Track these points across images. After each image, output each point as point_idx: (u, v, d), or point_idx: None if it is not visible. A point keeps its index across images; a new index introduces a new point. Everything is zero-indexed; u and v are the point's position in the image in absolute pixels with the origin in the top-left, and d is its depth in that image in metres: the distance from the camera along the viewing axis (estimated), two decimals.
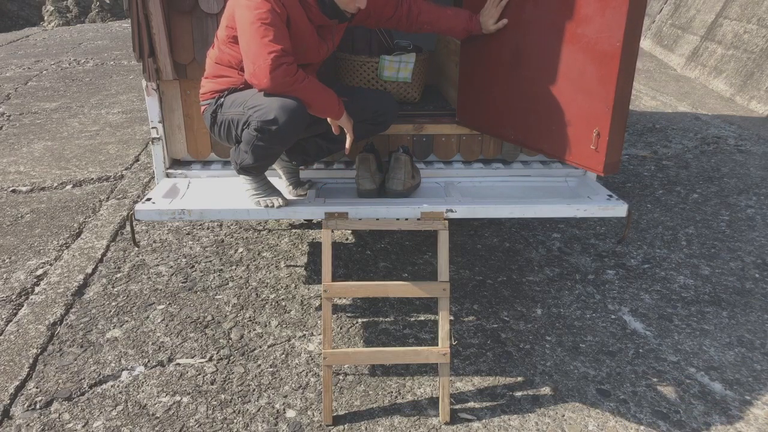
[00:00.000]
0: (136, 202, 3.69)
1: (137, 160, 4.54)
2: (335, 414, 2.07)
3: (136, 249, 3.18)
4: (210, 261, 3.07)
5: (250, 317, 2.61)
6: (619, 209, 2.34)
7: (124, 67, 8.20)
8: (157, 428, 2.01)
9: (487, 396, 2.17)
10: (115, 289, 2.82)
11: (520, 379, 2.26)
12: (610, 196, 2.42)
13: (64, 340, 2.45)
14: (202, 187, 2.55)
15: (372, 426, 2.03)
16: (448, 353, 2.06)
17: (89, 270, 2.96)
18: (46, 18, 14.90)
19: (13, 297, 2.75)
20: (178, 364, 2.32)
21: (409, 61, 2.77)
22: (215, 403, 2.13)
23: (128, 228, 3.41)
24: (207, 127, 2.30)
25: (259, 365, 2.32)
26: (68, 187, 4.06)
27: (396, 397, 2.16)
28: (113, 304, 2.71)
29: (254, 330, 2.53)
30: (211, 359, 2.35)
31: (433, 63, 3.28)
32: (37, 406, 2.10)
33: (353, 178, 2.54)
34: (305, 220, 3.47)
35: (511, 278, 2.93)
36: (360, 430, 2.02)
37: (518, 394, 2.18)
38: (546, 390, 2.20)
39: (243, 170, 2.20)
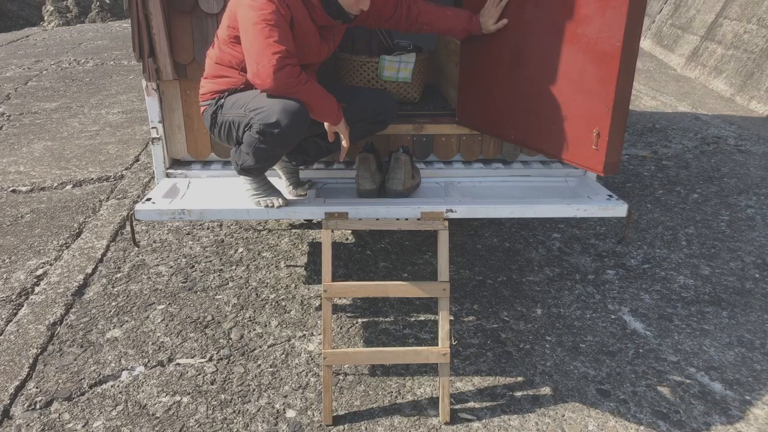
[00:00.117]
0: (136, 202, 3.69)
1: (137, 160, 4.54)
2: (335, 414, 2.08)
3: (136, 249, 3.18)
4: (210, 261, 3.07)
5: (250, 317, 2.61)
6: (619, 209, 2.34)
7: (124, 67, 8.20)
8: (157, 428, 2.01)
9: (487, 396, 2.17)
10: (115, 289, 2.82)
11: (520, 379, 2.26)
12: (610, 196, 2.42)
13: (64, 340, 2.45)
14: (202, 187, 2.55)
15: (372, 426, 2.03)
16: (448, 353, 2.06)
17: (89, 270, 2.96)
18: (46, 18, 14.90)
19: (13, 297, 2.75)
20: (178, 364, 2.32)
21: (409, 61, 2.77)
22: (215, 403, 2.13)
23: (128, 228, 3.41)
24: (207, 128, 2.30)
25: (259, 365, 2.32)
26: (68, 187, 4.06)
27: (396, 397, 2.16)
28: (113, 304, 2.71)
29: (254, 330, 2.53)
30: (211, 359, 2.35)
31: (433, 63, 3.28)
32: (37, 406, 2.10)
33: (353, 178, 2.54)
34: (305, 220, 3.47)
35: (511, 278, 2.93)
36: (360, 430, 2.02)
37: (518, 394, 2.18)
38: (546, 390, 2.20)
39: (244, 171, 2.20)
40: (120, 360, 2.34)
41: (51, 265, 3.03)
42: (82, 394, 2.17)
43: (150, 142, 3.14)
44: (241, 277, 2.92)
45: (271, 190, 2.28)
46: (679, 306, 2.72)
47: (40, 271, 2.97)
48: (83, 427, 2.02)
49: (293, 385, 2.21)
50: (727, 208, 3.73)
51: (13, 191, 3.97)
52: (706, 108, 6.01)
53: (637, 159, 4.59)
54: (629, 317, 2.63)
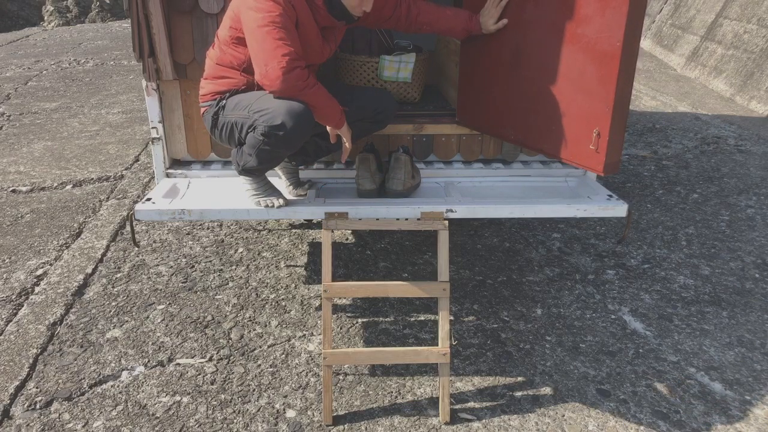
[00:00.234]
0: (136, 202, 3.69)
1: (137, 160, 4.54)
2: (335, 414, 2.07)
3: (136, 249, 3.18)
4: (210, 261, 3.07)
5: (250, 317, 2.61)
6: (619, 209, 2.34)
7: (124, 67, 8.20)
8: (157, 428, 2.01)
9: (487, 396, 2.17)
10: (115, 289, 2.82)
11: (520, 379, 2.26)
12: (610, 196, 2.42)
13: (64, 340, 2.45)
14: (202, 187, 2.55)
15: (372, 426, 2.03)
16: (448, 353, 2.06)
17: (89, 270, 2.96)
18: (46, 18, 14.90)
19: (13, 297, 2.75)
20: (178, 364, 2.32)
21: (409, 61, 2.77)
22: (215, 403, 2.13)
23: (128, 228, 3.41)
24: (207, 129, 2.29)
25: (259, 365, 2.32)
26: (68, 187, 4.06)
27: (396, 397, 2.16)
28: (113, 304, 2.71)
29: (254, 330, 2.53)
30: (211, 359, 2.35)
31: (433, 63, 3.28)
32: (37, 406, 2.10)
33: (353, 178, 2.54)
34: (305, 220, 3.47)
35: (511, 278, 2.93)
36: (360, 430, 2.02)
37: (518, 394, 2.18)
38: (546, 390, 2.20)
39: (245, 172, 2.20)
40: (120, 360, 2.34)
41: (51, 265, 3.03)
42: (82, 394, 2.17)
43: (150, 142, 3.14)
44: (241, 277, 2.92)
45: (272, 190, 2.28)
46: (679, 306, 2.72)
47: (40, 271, 2.97)
48: (83, 427, 2.02)
49: (293, 385, 2.21)
50: (727, 208, 3.73)
51: (13, 191, 3.97)
52: (706, 108, 6.02)
53: (637, 159, 4.59)
54: (629, 317, 2.63)
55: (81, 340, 2.45)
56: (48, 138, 5.09)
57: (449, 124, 2.68)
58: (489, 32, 2.35)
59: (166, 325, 2.55)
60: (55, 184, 4.07)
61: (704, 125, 5.42)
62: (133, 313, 2.63)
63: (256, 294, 2.79)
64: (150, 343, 2.44)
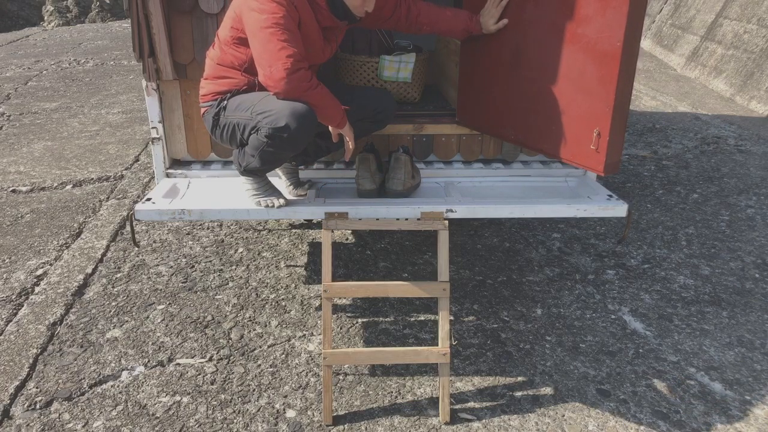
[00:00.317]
0: (136, 202, 3.69)
1: (137, 160, 4.54)
2: (335, 414, 2.07)
3: (136, 249, 3.18)
4: (210, 261, 3.07)
5: (250, 317, 2.61)
6: (619, 209, 2.34)
7: (124, 67, 8.20)
8: (157, 428, 2.01)
9: (487, 396, 2.17)
10: (115, 289, 2.82)
11: (520, 379, 2.26)
12: (610, 196, 2.42)
13: (64, 340, 2.45)
14: (202, 187, 2.55)
15: (372, 426, 2.03)
16: (448, 353, 2.06)
17: (89, 270, 2.96)
18: (46, 18, 14.90)
19: (13, 297, 2.75)
20: (178, 364, 2.32)
21: (409, 61, 2.77)
22: (215, 403, 2.13)
23: (128, 228, 3.41)
24: (207, 130, 2.29)
25: (259, 365, 2.32)
26: (68, 187, 4.06)
27: (396, 397, 2.16)
28: (113, 304, 2.71)
29: (254, 330, 2.53)
30: (211, 359, 2.35)
31: (433, 63, 3.28)
32: (37, 406, 2.10)
33: (353, 178, 2.54)
34: (305, 220, 3.47)
35: (511, 278, 2.93)
36: (360, 430, 2.02)
37: (518, 394, 2.18)
38: (546, 390, 2.20)
39: (247, 172, 2.20)
40: (120, 360, 2.34)
41: (51, 265, 3.03)
42: (82, 394, 2.17)
43: (150, 142, 3.14)
44: (241, 277, 2.92)
45: (272, 190, 2.28)
46: (679, 306, 2.72)
47: (40, 271, 2.97)
48: (83, 427, 2.02)
49: (293, 385, 2.21)
50: (727, 208, 3.73)
51: (13, 191, 3.97)
52: (706, 108, 6.02)
53: (637, 159, 4.59)
54: (629, 317, 2.63)
55: (81, 340, 2.45)
56: (48, 138, 5.09)
57: (449, 124, 2.68)
58: (489, 32, 2.35)
59: (166, 325, 2.55)
60: (55, 184, 4.07)
61: (704, 125, 5.42)
62: (133, 313, 2.63)
63: (256, 294, 2.79)
64: (150, 343, 2.44)
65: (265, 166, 2.15)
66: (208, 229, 3.42)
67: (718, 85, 6.70)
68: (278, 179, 2.49)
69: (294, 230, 3.40)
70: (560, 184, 2.68)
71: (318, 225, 3.43)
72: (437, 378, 2.23)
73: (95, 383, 2.22)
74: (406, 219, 2.26)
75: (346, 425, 2.03)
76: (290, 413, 2.08)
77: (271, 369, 2.30)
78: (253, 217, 2.32)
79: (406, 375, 2.27)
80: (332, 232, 2.16)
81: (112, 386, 2.20)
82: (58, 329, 2.52)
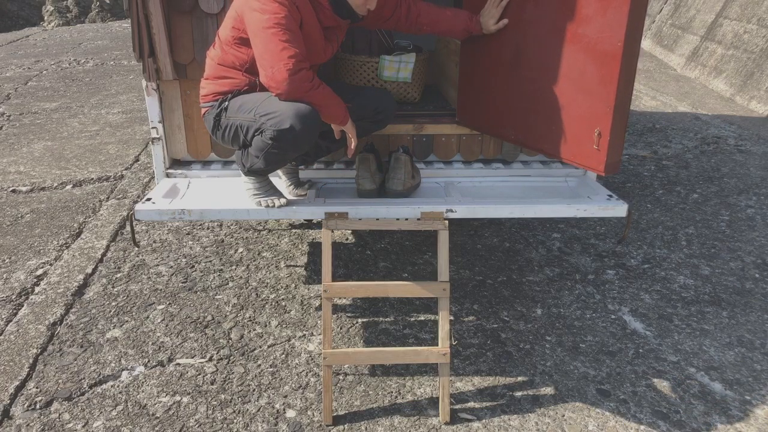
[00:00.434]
0: (136, 202, 3.69)
1: (137, 160, 4.54)
2: (335, 414, 2.07)
3: (136, 249, 3.18)
4: (210, 261, 3.07)
5: (250, 317, 2.61)
6: (619, 209, 2.34)
7: (124, 67, 8.20)
8: (157, 428, 2.01)
9: (487, 396, 2.17)
10: (115, 289, 2.82)
11: (520, 379, 2.26)
12: (610, 196, 2.42)
13: (64, 340, 2.45)
14: (202, 187, 2.55)
15: (372, 426, 2.03)
16: (448, 353, 2.06)
17: (89, 270, 2.96)
18: (46, 18, 14.90)
19: (13, 297, 2.75)
20: (178, 364, 2.32)
21: (409, 61, 2.77)
22: (215, 403, 2.13)
23: (128, 228, 3.41)
24: (208, 130, 2.29)
25: (259, 365, 2.32)
26: (68, 187, 4.06)
27: (396, 397, 2.16)
28: (113, 304, 2.71)
29: (254, 330, 2.53)
30: (211, 359, 2.35)
31: (433, 63, 3.28)
32: (37, 406, 2.10)
33: (353, 178, 2.54)
34: (305, 220, 3.47)
35: (511, 278, 2.93)
36: (360, 430, 2.02)
37: (518, 394, 2.18)
38: (546, 390, 2.20)
39: (251, 173, 2.20)
40: (120, 360, 2.34)
41: (51, 265, 3.03)
42: (82, 394, 2.17)
43: (150, 142, 3.14)
44: (241, 277, 2.92)
45: (272, 190, 2.28)
46: (679, 306, 2.72)
47: (40, 271, 2.97)
48: (83, 427, 2.02)
49: (293, 385, 2.21)
50: (727, 208, 3.73)
51: (13, 191, 3.97)
52: (706, 108, 6.02)
53: (637, 159, 4.59)
54: (629, 317, 2.63)
55: (81, 340, 2.45)
56: (48, 138, 5.09)
57: (449, 124, 2.68)
58: (489, 32, 2.35)
59: (166, 325, 2.55)
60: (55, 184, 4.07)
61: (704, 125, 5.42)
62: (133, 313, 2.63)
63: (256, 294, 2.79)
64: (150, 343, 2.44)
65: (269, 167, 2.15)
66: (208, 229, 3.42)
67: (718, 85, 6.70)
68: (278, 179, 2.49)
69: (294, 230, 3.40)
70: (560, 184, 2.68)
71: (318, 225, 3.43)
72: (437, 378, 2.23)
73: (95, 383, 2.22)
74: (406, 219, 2.26)
75: (346, 425, 2.03)
76: (290, 413, 2.08)
77: (271, 369, 2.30)
78: (253, 217, 2.32)
79: (406, 375, 2.27)
80: (332, 232, 2.16)
81: (112, 386, 2.20)
82: (58, 329, 2.52)
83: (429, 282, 2.14)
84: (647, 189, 4.02)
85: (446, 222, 2.16)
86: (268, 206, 2.25)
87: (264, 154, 2.08)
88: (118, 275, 2.94)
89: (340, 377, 2.26)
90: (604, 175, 2.16)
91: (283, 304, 2.71)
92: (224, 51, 2.15)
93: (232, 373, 2.27)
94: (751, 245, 3.26)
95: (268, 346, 2.43)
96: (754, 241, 3.30)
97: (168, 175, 2.59)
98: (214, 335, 2.49)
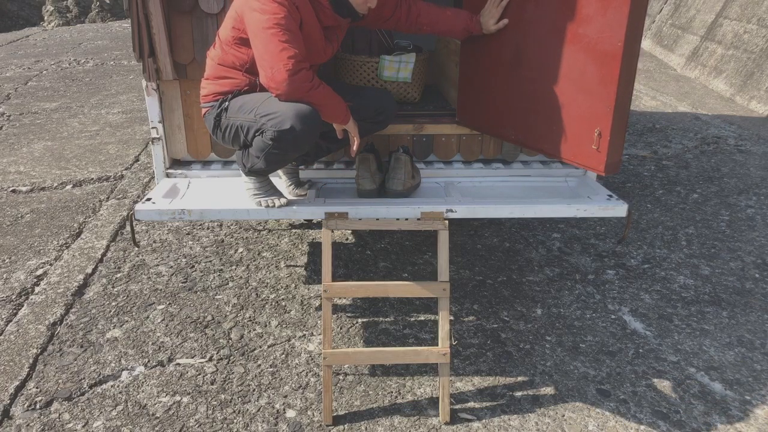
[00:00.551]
0: (136, 202, 3.69)
1: (137, 160, 4.54)
2: (335, 414, 2.07)
3: (136, 249, 3.18)
4: (210, 261, 3.07)
5: (250, 317, 2.61)
6: (619, 209, 2.34)
7: (124, 67, 8.20)
8: (157, 428, 2.01)
9: (487, 396, 2.17)
10: (115, 289, 2.82)
11: (520, 379, 2.26)
12: (610, 196, 2.42)
13: (64, 340, 2.45)
14: (202, 187, 2.55)
15: (372, 426, 2.03)
16: (448, 353, 2.06)
17: (89, 270, 2.96)
18: (46, 18, 14.90)
19: (13, 297, 2.75)
20: (178, 364, 2.32)
21: (409, 61, 2.77)
22: (215, 403, 2.13)
23: (128, 228, 3.41)
24: (209, 130, 2.29)
25: (259, 365, 2.32)
26: (68, 187, 4.06)
27: (396, 397, 2.16)
28: (113, 304, 2.71)
29: (254, 330, 2.53)
30: (211, 359, 2.35)
31: (433, 63, 3.28)
32: (37, 406, 2.10)
33: (353, 178, 2.54)
34: (305, 220, 3.47)
35: (511, 278, 2.93)
36: (360, 430, 2.02)
37: (518, 394, 2.18)
38: (546, 390, 2.20)
39: (252, 173, 2.20)
40: (120, 360, 2.34)
41: (51, 265, 3.03)
42: (82, 394, 2.17)
43: (150, 142, 3.14)
44: (241, 277, 2.92)
45: (273, 190, 2.28)
46: (679, 306, 2.72)
47: (40, 271, 2.97)
48: (83, 427, 2.02)
49: (293, 385, 2.21)
50: (727, 208, 3.73)
51: (13, 191, 3.97)
52: (706, 108, 6.02)
53: (637, 159, 4.59)
54: (629, 317, 2.63)
55: (81, 340, 2.45)
56: (48, 138, 5.09)
57: (449, 124, 2.68)
58: (489, 32, 2.35)
59: (166, 325, 2.55)
60: (55, 184, 4.07)
61: (704, 125, 5.42)
62: (133, 313, 2.63)
63: (256, 294, 2.79)
64: (150, 343, 2.44)
65: (270, 167, 2.15)
66: (208, 229, 3.42)
67: (718, 85, 6.70)
68: (278, 179, 2.49)
69: (294, 230, 3.40)
70: (560, 184, 2.68)
71: (318, 225, 3.43)
72: (437, 378, 2.23)
73: (95, 383, 2.22)
74: (406, 219, 2.26)
75: (346, 425, 2.03)
76: (290, 413, 2.08)
77: (271, 369, 2.30)
78: (253, 217, 2.32)
79: (406, 375, 2.27)
80: (332, 232, 2.16)
81: (112, 386, 2.20)
82: (58, 329, 2.52)
83: (429, 282, 2.14)
84: (647, 189, 4.02)
85: (446, 222, 2.16)
86: (268, 206, 2.25)
87: (265, 155, 2.08)
88: (118, 275, 2.94)
89: (340, 377, 2.26)
90: (604, 175, 2.16)
91: (283, 304, 2.71)
92: (224, 51, 2.15)
93: (232, 373, 2.27)
94: (751, 245, 3.26)
95: (268, 346, 2.43)
96: (754, 241, 3.30)
97: (168, 175, 2.59)
98: (214, 335, 2.49)
